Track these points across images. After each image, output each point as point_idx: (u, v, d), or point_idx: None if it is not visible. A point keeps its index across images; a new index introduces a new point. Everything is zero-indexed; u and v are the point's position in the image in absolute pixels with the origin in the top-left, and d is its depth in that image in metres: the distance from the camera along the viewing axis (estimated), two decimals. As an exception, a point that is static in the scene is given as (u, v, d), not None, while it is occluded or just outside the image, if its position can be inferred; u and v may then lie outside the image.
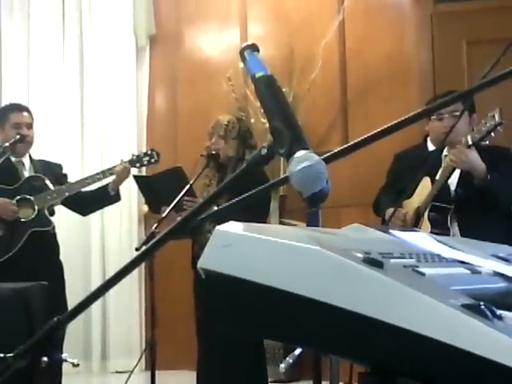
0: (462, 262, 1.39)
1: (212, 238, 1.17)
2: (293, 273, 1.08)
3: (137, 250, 4.37)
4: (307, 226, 1.49)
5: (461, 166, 3.93)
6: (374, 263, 1.07)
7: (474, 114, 4.19)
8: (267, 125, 4.78)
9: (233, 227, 1.18)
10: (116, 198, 4.91)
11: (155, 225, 4.20)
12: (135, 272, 6.25)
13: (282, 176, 5.14)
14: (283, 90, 4.68)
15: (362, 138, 1.68)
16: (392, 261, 1.18)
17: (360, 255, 1.11)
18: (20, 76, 6.46)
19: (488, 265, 1.44)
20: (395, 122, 1.65)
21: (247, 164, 1.38)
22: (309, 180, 1.28)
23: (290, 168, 1.29)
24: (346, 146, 1.68)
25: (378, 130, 1.66)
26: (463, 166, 3.92)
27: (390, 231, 1.52)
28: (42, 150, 5.83)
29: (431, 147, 4.83)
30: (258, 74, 1.39)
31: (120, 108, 6.42)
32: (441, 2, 5.65)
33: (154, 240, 1.42)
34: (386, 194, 4.75)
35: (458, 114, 4.10)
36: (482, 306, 1.00)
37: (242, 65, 4.95)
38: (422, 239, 1.56)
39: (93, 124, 6.40)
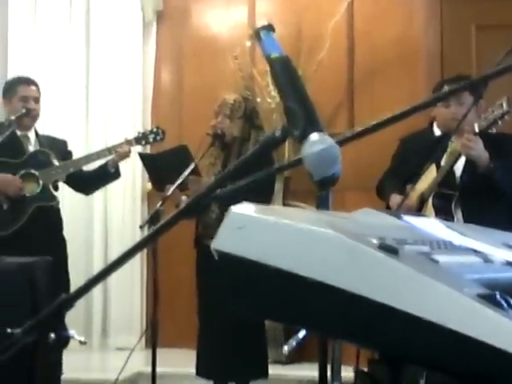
0: (475, 251, 1.39)
1: (226, 219, 1.16)
2: (307, 256, 1.08)
3: (141, 227, 4.38)
4: (317, 209, 1.47)
5: (469, 153, 3.92)
6: (390, 250, 1.06)
7: (480, 100, 4.17)
8: (273, 105, 4.80)
9: (247, 209, 1.17)
10: (116, 175, 4.90)
11: (160, 203, 4.20)
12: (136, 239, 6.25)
13: (286, 159, 5.15)
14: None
15: (372, 123, 1.67)
16: (406, 247, 1.17)
17: (375, 241, 1.11)
18: (26, 48, 6.40)
19: (500, 254, 1.44)
20: (404, 109, 1.64)
21: (260, 145, 1.38)
22: (323, 163, 1.27)
23: (303, 150, 1.28)
24: (357, 130, 1.66)
25: (388, 116, 1.66)
26: (471, 153, 3.91)
27: (402, 216, 1.51)
28: (46, 124, 5.81)
29: (437, 132, 4.82)
30: (274, 55, 1.38)
31: (125, 83, 6.39)
32: (451, -15, 5.62)
33: (161, 223, 1.40)
34: (390, 178, 4.74)
35: (464, 101, 4.09)
36: (498, 296, 1.00)
37: (248, 43, 4.92)
38: (434, 225, 1.55)
39: (98, 98, 6.37)
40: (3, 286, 3.12)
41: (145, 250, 6.21)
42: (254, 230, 1.11)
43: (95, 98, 6.37)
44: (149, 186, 6.06)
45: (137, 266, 6.29)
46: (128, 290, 6.31)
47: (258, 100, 5.92)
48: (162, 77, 6.59)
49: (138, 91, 6.39)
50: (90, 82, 6.39)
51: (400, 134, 5.16)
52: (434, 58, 5.58)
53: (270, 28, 1.42)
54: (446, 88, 4.19)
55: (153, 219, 4.12)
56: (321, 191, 1.39)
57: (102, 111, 6.34)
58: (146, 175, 5.33)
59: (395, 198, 4.30)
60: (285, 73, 1.35)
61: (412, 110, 1.84)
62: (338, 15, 5.72)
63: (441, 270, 1.13)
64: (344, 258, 1.06)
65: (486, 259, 1.35)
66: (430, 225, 1.55)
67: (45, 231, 4.71)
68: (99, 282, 1.47)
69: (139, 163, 5.26)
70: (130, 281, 6.32)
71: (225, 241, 1.13)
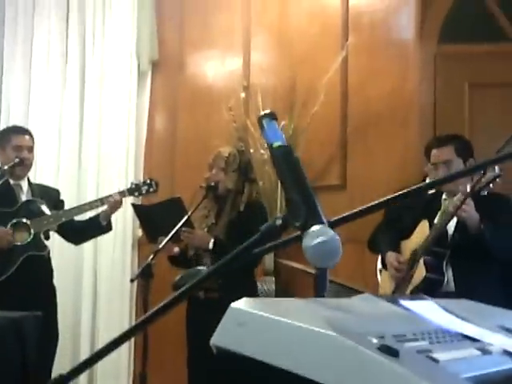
0: (473, 340, 1.39)
1: (227, 315, 1.16)
2: (307, 357, 1.08)
3: (131, 281, 4.37)
4: (315, 284, 1.46)
5: (460, 215, 3.95)
6: (390, 352, 1.07)
7: (469, 159, 4.21)
8: (266, 156, 4.82)
9: (247, 304, 1.17)
10: (107, 228, 4.91)
11: (151, 256, 4.19)
12: (126, 294, 6.22)
13: (279, 208, 5.12)
14: (283, 122, 4.72)
15: (374, 203, 1.68)
16: (406, 345, 1.18)
17: (375, 341, 1.11)
18: (20, 96, 6.44)
19: (497, 341, 1.44)
20: (403, 191, 1.66)
21: (261, 233, 1.38)
22: (323, 256, 1.28)
23: (304, 242, 1.29)
24: (356, 210, 1.68)
25: (388, 197, 1.68)
26: (463, 215, 3.94)
27: (400, 302, 1.52)
28: (38, 172, 5.81)
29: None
30: (276, 144, 1.39)
31: (119, 132, 6.40)
32: (445, 43, 5.67)
33: (152, 310, 1.40)
34: (382, 232, 4.77)
35: (451, 163, 4.16)
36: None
37: (243, 94, 4.95)
38: (431, 310, 1.56)
39: (91, 147, 6.37)
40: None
41: (134, 296, 6.19)
42: (255, 327, 1.12)
43: (88, 147, 6.38)
44: (140, 232, 6.06)
45: (126, 315, 6.25)
46: (116, 332, 6.25)
47: (252, 151, 5.94)
48: (156, 126, 6.61)
49: (131, 140, 6.41)
50: (83, 130, 6.41)
51: (393, 187, 5.20)
52: (427, 114, 5.62)
53: (272, 116, 1.43)
54: (433, 152, 4.26)
55: (144, 272, 4.11)
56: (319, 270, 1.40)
57: (94, 160, 6.34)
58: (137, 222, 5.33)
59: (391, 257, 4.32)
60: (286, 162, 1.36)
61: (411, 192, 1.86)
62: (332, 69, 5.76)
63: (439, 371, 1.13)
64: (345, 360, 1.06)
65: (484, 350, 1.35)
66: (428, 309, 1.56)
67: (35, 280, 4.70)
68: (94, 363, 1.46)
69: (130, 210, 5.28)
70: (119, 328, 6.27)
71: (225, 337, 1.13)
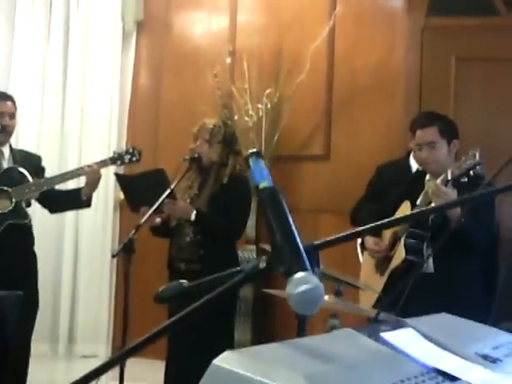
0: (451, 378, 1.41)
1: (208, 373, 1.16)
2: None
3: (113, 256, 4.37)
4: (298, 327, 1.47)
5: (438, 203, 3.95)
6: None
7: (454, 140, 4.20)
8: (250, 123, 4.82)
9: (229, 360, 1.17)
10: (86, 203, 4.86)
11: (133, 231, 4.18)
12: (107, 257, 6.23)
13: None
14: (269, 90, 4.70)
15: (360, 228, 1.68)
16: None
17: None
18: (2, 58, 6.36)
19: (476, 377, 1.46)
20: (388, 220, 1.65)
21: (245, 275, 1.38)
22: (306, 303, 1.27)
23: (288, 288, 1.29)
24: (340, 234, 1.67)
25: (376, 223, 1.67)
26: (439, 203, 3.94)
27: (381, 336, 1.53)
28: (20, 137, 5.74)
29: (413, 164, 4.87)
30: (262, 185, 1.37)
31: (103, 94, 6.35)
32: (433, 16, 5.63)
33: (131, 345, 1.39)
34: (364, 207, 4.78)
35: (434, 145, 4.14)
36: None
37: (228, 60, 4.91)
38: (411, 340, 1.57)
39: (74, 110, 6.32)
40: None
41: (114, 264, 6.20)
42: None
43: (71, 110, 6.33)
44: (121, 195, 6.04)
45: (106, 274, 6.27)
46: (96, 298, 6.30)
47: (236, 117, 5.92)
48: (140, 88, 6.55)
49: (114, 103, 6.36)
50: (66, 92, 6.36)
51: (377, 159, 5.21)
52: (413, 87, 5.61)
53: (258, 155, 1.42)
54: (417, 133, 4.24)
55: (126, 247, 4.11)
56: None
57: (77, 123, 6.30)
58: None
59: (370, 241, 4.34)
60: (272, 205, 1.35)
61: (396, 221, 1.86)
62: (319, 38, 5.72)
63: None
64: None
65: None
66: (408, 340, 1.57)
67: (16, 248, 4.67)
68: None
69: (112, 175, 5.27)
70: (99, 289, 6.30)
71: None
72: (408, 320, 1.77)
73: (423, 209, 1.70)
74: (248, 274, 1.37)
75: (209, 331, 4.34)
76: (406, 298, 3.85)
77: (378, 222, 1.67)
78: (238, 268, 1.73)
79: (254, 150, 1.43)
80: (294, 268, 1.30)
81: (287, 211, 1.37)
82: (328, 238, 1.62)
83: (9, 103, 4.83)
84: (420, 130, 4.23)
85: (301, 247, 1.33)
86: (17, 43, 6.38)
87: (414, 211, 1.73)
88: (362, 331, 1.54)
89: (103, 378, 4.25)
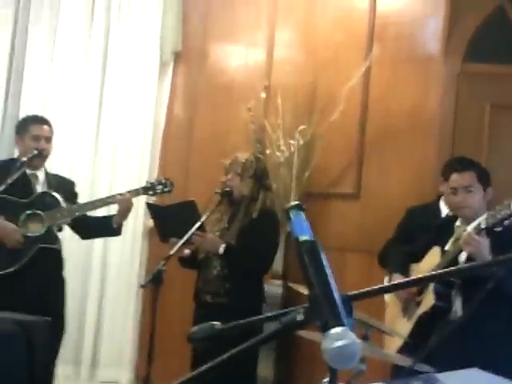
0: None
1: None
2: None
3: (142, 286, 4.40)
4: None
5: (470, 251, 3.95)
6: None
7: (488, 187, 4.21)
8: (282, 159, 4.85)
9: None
10: (117, 231, 4.93)
11: (162, 262, 4.22)
12: (134, 284, 6.27)
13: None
14: (302, 126, 4.73)
15: (395, 282, 1.70)
16: None
17: None
18: (41, 83, 6.45)
19: None
20: (423, 276, 1.67)
21: (282, 326, 1.40)
22: (342, 359, 1.30)
23: (324, 343, 1.31)
24: (375, 287, 1.68)
25: (414, 278, 1.69)
26: (472, 251, 3.94)
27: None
28: (54, 162, 5.80)
29: (444, 208, 4.89)
30: (302, 238, 1.40)
31: (137, 124, 6.42)
32: (470, 62, 5.65)
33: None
34: (392, 250, 4.79)
35: (472, 189, 4.14)
36: None
37: (263, 95, 4.95)
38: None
39: (108, 138, 6.39)
40: (1, 344, 3.13)
41: (140, 291, 6.22)
42: None
43: (105, 138, 6.40)
44: (151, 223, 6.08)
45: (132, 307, 6.30)
46: (121, 324, 6.32)
47: (268, 152, 5.96)
48: (174, 118, 6.61)
49: (148, 132, 6.42)
50: (101, 120, 6.43)
51: (407, 202, 5.23)
52: (447, 133, 5.62)
53: (299, 207, 1.44)
54: (454, 176, 4.24)
55: (155, 278, 4.14)
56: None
57: (110, 151, 6.37)
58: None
59: (398, 278, 4.34)
60: (311, 258, 1.38)
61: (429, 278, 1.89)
62: (354, 78, 5.76)
63: None
64: None
65: None
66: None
67: (46, 272, 4.73)
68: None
69: (142, 202, 5.32)
70: (124, 316, 6.33)
71: None
72: (439, 375, 1.77)
73: (460, 267, 1.70)
74: (286, 325, 1.40)
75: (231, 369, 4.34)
76: (434, 344, 3.86)
77: (416, 277, 1.70)
78: (271, 314, 1.77)
79: (296, 202, 1.45)
80: (330, 323, 1.32)
81: (327, 265, 1.39)
82: (363, 290, 1.64)
83: (45, 127, 4.91)
84: (457, 174, 4.22)
85: (338, 303, 1.35)
86: (55, 69, 6.47)
87: (449, 269, 1.74)
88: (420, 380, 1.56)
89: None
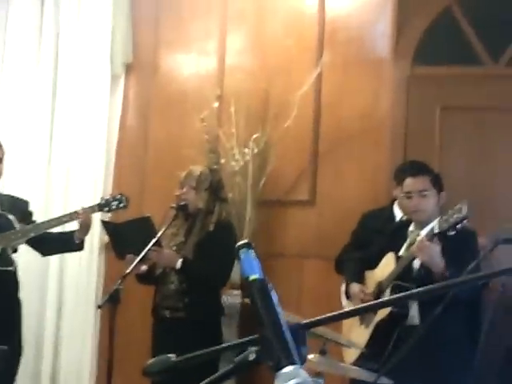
0: None
1: None
2: None
3: (99, 307, 4.37)
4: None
5: (423, 258, 3.99)
6: None
7: (442, 192, 4.27)
8: (236, 168, 4.85)
9: None
10: (79, 246, 4.89)
11: (119, 281, 4.19)
12: (91, 302, 6.19)
13: (247, 221, 5.12)
14: (256, 134, 4.74)
15: (349, 309, 1.70)
16: None
17: None
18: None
19: None
20: (387, 299, 1.68)
21: (235, 365, 1.40)
22: (296, 398, 1.29)
23: (277, 382, 1.31)
24: (328, 315, 1.68)
25: (372, 303, 1.69)
26: (424, 259, 3.98)
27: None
28: (6, 181, 5.70)
29: (398, 212, 4.93)
30: (252, 277, 1.39)
31: (90, 137, 6.32)
32: (419, 65, 5.70)
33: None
34: (348, 257, 4.83)
35: (426, 193, 4.18)
36: None
37: (216, 104, 4.93)
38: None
39: (61, 153, 6.30)
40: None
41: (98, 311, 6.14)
42: None
43: (58, 154, 6.29)
44: (106, 238, 6.02)
45: (90, 326, 6.22)
46: (79, 343, 6.23)
47: (223, 161, 5.95)
48: (127, 131, 6.54)
49: (101, 147, 6.34)
50: (53, 136, 6.32)
51: (363, 206, 5.26)
52: (399, 136, 5.66)
53: (248, 246, 1.44)
54: (408, 180, 4.28)
55: (112, 298, 4.11)
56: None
57: (63, 165, 6.27)
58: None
59: (355, 287, 4.37)
60: (261, 297, 1.37)
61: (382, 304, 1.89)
62: (306, 85, 5.77)
63: None
64: None
65: None
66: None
67: (0, 294, 4.66)
68: None
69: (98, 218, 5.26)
70: (82, 334, 6.25)
71: None
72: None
73: (407, 293, 1.71)
74: (237, 365, 1.39)
75: None
76: (391, 350, 3.89)
77: (375, 302, 1.69)
78: (225, 345, 1.76)
79: (245, 241, 1.45)
80: (282, 362, 1.32)
81: (276, 304, 1.39)
82: (316, 318, 1.64)
83: (-4, 148, 4.85)
84: (411, 178, 4.26)
85: (290, 341, 1.35)
86: (3, 87, 6.38)
87: (413, 291, 1.75)
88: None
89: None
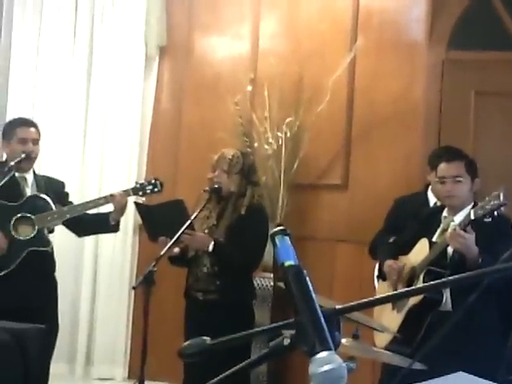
0: None
1: None
2: None
3: (134, 288, 4.42)
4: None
5: (456, 247, 3.98)
6: None
7: (476, 178, 4.24)
8: (270, 151, 4.87)
9: None
10: (114, 228, 4.93)
11: (153, 263, 4.23)
12: (126, 281, 6.29)
13: (280, 205, 5.16)
14: (289, 118, 4.74)
15: (382, 296, 1.71)
16: None
17: None
18: (27, 81, 6.44)
19: None
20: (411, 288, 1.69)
21: (268, 351, 1.42)
22: (329, 383, 1.32)
23: (311, 368, 1.33)
24: (362, 301, 1.69)
25: (403, 292, 1.71)
26: (458, 247, 3.96)
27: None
28: (42, 163, 5.80)
29: (431, 198, 4.90)
30: (287, 263, 1.42)
31: (124, 120, 6.41)
32: (454, 49, 5.67)
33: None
34: (382, 242, 4.81)
35: (460, 179, 4.16)
36: None
37: (249, 88, 4.93)
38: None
39: (96, 135, 6.39)
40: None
41: (133, 277, 6.23)
42: None
43: (93, 136, 6.40)
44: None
45: (124, 306, 6.31)
46: (114, 321, 6.35)
47: (256, 145, 5.98)
48: (161, 114, 6.60)
49: (135, 129, 6.41)
50: (88, 119, 6.43)
51: (395, 191, 5.25)
52: (432, 120, 5.64)
53: (284, 232, 1.45)
54: (442, 166, 4.26)
55: (146, 280, 4.16)
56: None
57: (99, 148, 6.37)
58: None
59: (389, 261, 4.35)
60: (296, 283, 1.39)
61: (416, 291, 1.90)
62: (340, 68, 5.77)
63: None
64: None
65: None
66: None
67: (37, 274, 4.73)
68: None
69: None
70: (116, 313, 6.35)
71: None
72: (425, 384, 1.79)
73: (441, 281, 1.72)
74: (272, 350, 1.42)
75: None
76: (423, 336, 3.90)
77: (404, 290, 1.69)
78: (259, 329, 1.78)
79: (281, 227, 1.47)
80: (317, 348, 1.34)
81: (312, 290, 1.41)
82: (350, 304, 1.65)
83: (32, 129, 4.89)
84: (445, 164, 4.23)
85: (324, 328, 1.37)
86: (40, 71, 6.46)
87: (442, 280, 1.76)
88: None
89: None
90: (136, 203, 4.91)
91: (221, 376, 1.43)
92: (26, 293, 4.61)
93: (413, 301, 4.13)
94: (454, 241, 3.93)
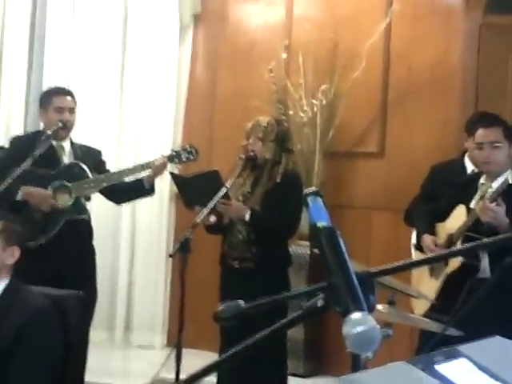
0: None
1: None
2: None
3: (171, 256, 4.45)
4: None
5: (487, 220, 3.94)
6: None
7: None
8: (305, 119, 4.86)
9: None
10: (150, 191, 4.95)
11: (189, 230, 4.25)
12: (163, 248, 6.35)
13: (316, 171, 5.11)
14: (324, 85, 4.71)
15: (418, 259, 1.71)
16: None
17: None
18: (62, 52, 6.47)
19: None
20: (445, 252, 1.69)
21: (303, 312, 1.43)
22: (363, 344, 1.32)
23: (345, 329, 1.33)
24: (396, 264, 1.69)
25: (433, 256, 1.70)
26: (489, 220, 3.93)
27: (435, 368, 1.56)
28: (79, 132, 5.83)
29: (469, 165, 4.86)
30: (320, 224, 1.42)
31: (160, 87, 6.44)
32: (491, 14, 5.58)
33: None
34: (418, 209, 4.78)
35: (498, 145, 4.11)
36: None
37: (284, 55, 4.91)
38: (466, 373, 1.60)
39: (131, 104, 6.43)
40: (35, 319, 3.19)
41: (170, 246, 6.27)
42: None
43: (128, 105, 6.43)
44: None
45: (161, 273, 6.38)
46: (152, 289, 6.42)
47: (291, 113, 5.96)
48: (196, 82, 6.62)
49: (171, 97, 6.43)
50: (123, 88, 6.46)
51: (432, 158, 5.20)
52: (469, 86, 5.57)
53: (316, 194, 1.45)
54: (480, 131, 4.21)
55: (182, 247, 4.18)
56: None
57: (134, 116, 6.41)
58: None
59: (427, 239, 4.33)
60: (329, 245, 1.39)
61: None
62: (375, 35, 5.71)
63: None
64: None
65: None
66: (463, 372, 1.60)
67: (75, 242, 4.78)
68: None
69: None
70: (154, 281, 6.42)
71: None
72: (462, 348, 1.79)
73: (476, 243, 1.71)
74: (306, 311, 1.42)
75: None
76: (462, 303, 3.88)
77: (444, 252, 1.67)
78: (294, 291, 1.79)
79: (313, 189, 1.47)
80: (350, 308, 1.35)
81: (345, 251, 1.41)
82: (384, 267, 1.65)
83: (68, 98, 4.93)
84: (483, 129, 4.19)
85: (358, 288, 1.37)
86: (76, 39, 6.49)
87: (477, 242, 1.74)
88: (416, 363, 1.57)
89: (160, 370, 4.33)
90: (172, 173, 4.93)
91: (256, 337, 1.44)
92: (64, 261, 4.66)
93: (451, 267, 4.11)
94: (485, 214, 3.90)
